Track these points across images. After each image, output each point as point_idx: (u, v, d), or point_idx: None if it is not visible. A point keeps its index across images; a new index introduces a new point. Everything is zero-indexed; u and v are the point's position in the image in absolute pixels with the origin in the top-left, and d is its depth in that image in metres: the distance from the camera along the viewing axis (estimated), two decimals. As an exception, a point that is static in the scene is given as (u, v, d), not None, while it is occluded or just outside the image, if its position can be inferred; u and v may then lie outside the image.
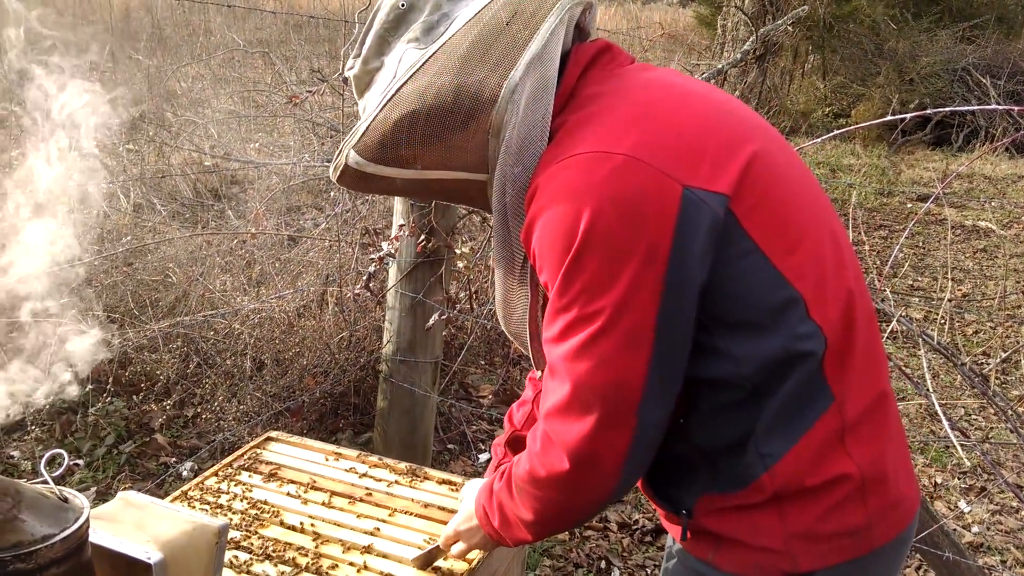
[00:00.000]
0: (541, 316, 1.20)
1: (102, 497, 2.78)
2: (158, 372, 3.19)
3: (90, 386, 3.07)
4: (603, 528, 3.13)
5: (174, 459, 3.06)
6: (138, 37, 7.86)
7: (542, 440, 1.11)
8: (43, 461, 0.91)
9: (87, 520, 0.89)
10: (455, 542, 1.48)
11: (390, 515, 1.74)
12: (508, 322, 1.29)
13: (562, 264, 1.03)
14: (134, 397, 3.17)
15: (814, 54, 13.29)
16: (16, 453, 2.89)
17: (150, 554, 0.94)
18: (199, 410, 3.22)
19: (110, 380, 3.08)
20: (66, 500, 0.90)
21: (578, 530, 3.08)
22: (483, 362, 4.17)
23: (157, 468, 3.02)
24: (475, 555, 1.60)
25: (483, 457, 3.47)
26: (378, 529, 1.68)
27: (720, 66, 7.73)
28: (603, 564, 2.94)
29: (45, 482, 0.93)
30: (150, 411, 3.19)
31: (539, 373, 1.34)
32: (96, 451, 2.98)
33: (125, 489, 2.75)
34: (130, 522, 1.01)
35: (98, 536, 0.96)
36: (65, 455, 0.91)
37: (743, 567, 1.17)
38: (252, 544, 1.61)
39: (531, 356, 1.28)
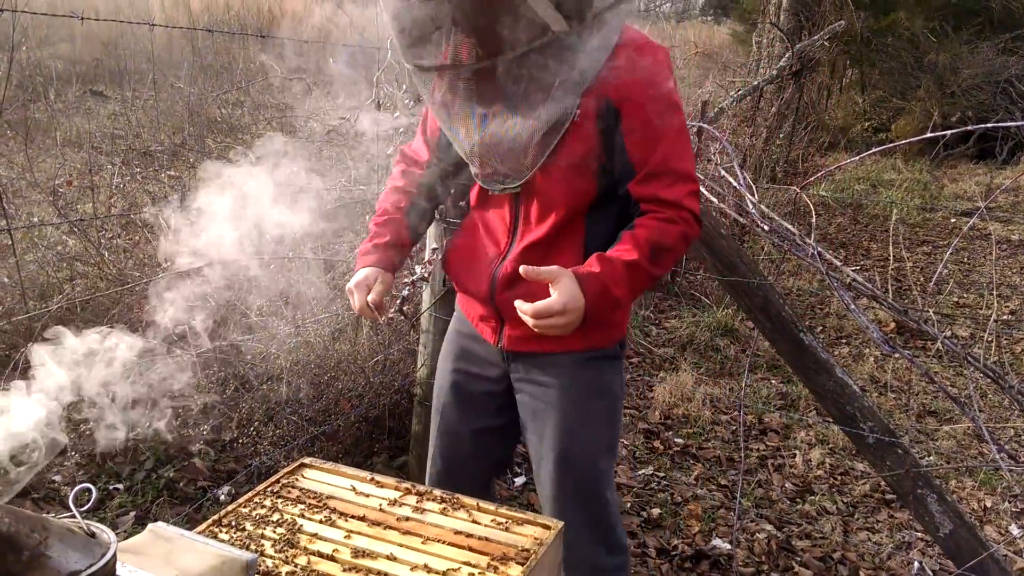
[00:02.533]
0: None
1: (141, 522, 2.80)
2: (196, 396, 3.21)
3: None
4: (641, 554, 3.09)
5: (212, 483, 3.08)
6: (179, 66, 8.02)
7: (687, 215, 1.67)
8: (71, 495, 0.91)
9: (114, 556, 0.89)
10: (549, 316, 1.60)
11: (423, 543, 1.73)
12: (529, 138, 1.61)
13: (673, 100, 1.65)
14: (173, 421, 3.20)
15: (852, 68, 13.15)
16: (58, 478, 2.93)
17: (177, 589, 0.93)
18: (236, 434, 3.24)
19: (149, 404, 3.11)
20: (93, 535, 0.90)
21: (615, 555, 3.04)
22: (518, 384, 4.15)
23: (195, 492, 3.04)
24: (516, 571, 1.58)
25: (519, 480, 3.44)
26: (411, 559, 1.67)
27: (756, 83, 7.68)
28: (641, 590, 2.89)
29: (73, 516, 0.93)
30: (188, 435, 3.21)
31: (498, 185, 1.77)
32: (135, 475, 3.01)
33: (158, 517, 2.77)
34: (159, 556, 1.01)
35: (126, 571, 0.96)
36: (93, 490, 0.91)
37: (606, 341, 1.90)
38: (284, 572, 1.60)
39: (517, 168, 1.69)
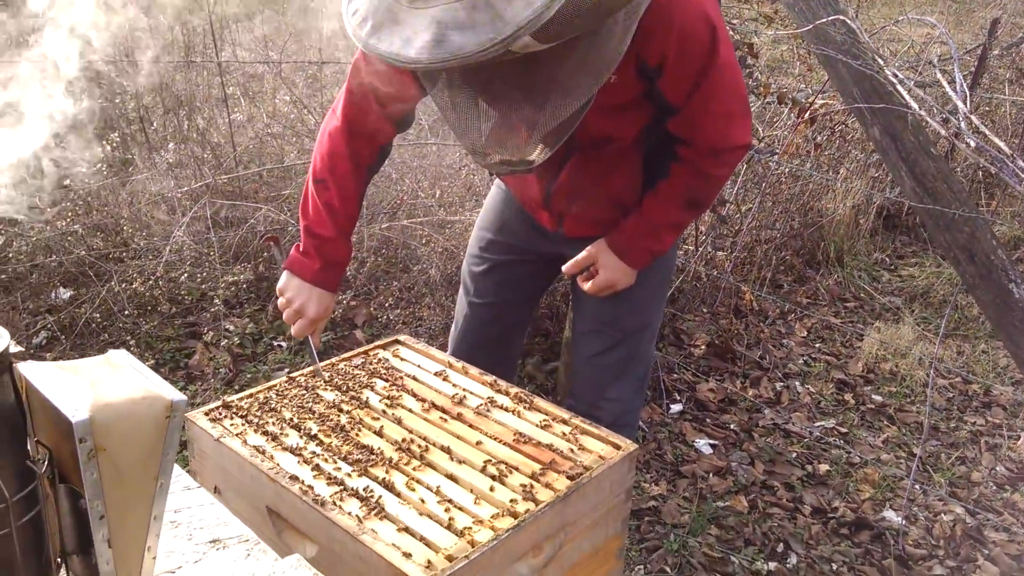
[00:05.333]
0: None
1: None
2: (361, 272, 3.29)
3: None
4: (793, 508, 2.78)
5: (367, 356, 3.16)
6: None
7: (725, 158, 1.68)
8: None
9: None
10: (607, 288, 1.82)
11: (481, 437, 1.61)
12: (574, 98, 1.33)
13: (714, 40, 1.52)
14: (344, 293, 3.30)
15: None
16: (231, 327, 3.14)
17: (77, 412, 0.88)
18: (399, 313, 3.29)
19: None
20: (-18, 337, 0.87)
21: (761, 505, 2.76)
22: (705, 310, 3.86)
23: (351, 362, 3.14)
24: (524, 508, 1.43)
25: (675, 408, 3.21)
26: (459, 452, 1.56)
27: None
28: (780, 547, 2.60)
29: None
30: (356, 308, 3.31)
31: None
32: (298, 337, 3.15)
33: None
34: (88, 379, 0.96)
35: (42, 384, 0.92)
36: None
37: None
38: (329, 443, 1.56)
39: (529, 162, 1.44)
